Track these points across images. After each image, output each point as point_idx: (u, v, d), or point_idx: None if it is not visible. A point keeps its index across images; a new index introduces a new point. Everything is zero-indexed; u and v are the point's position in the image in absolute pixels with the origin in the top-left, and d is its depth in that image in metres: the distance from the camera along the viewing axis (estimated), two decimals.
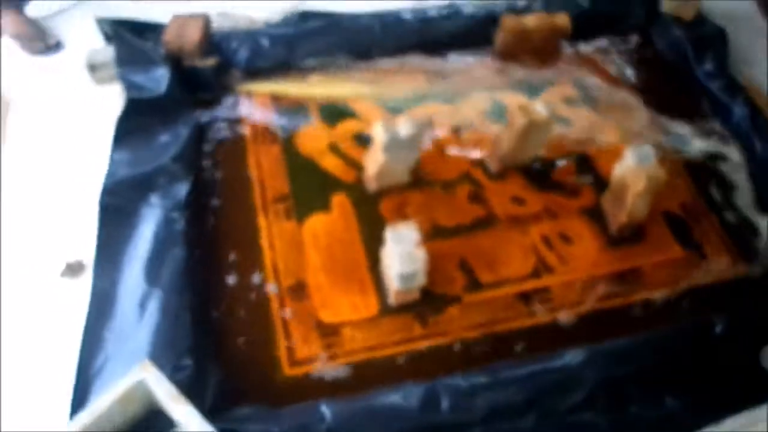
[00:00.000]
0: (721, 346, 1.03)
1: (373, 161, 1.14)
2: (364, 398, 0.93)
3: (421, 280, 1.00)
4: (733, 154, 1.32)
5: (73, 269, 1.09)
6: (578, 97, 1.38)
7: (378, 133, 1.09)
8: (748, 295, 1.14)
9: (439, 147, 1.28)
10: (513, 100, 1.30)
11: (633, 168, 1.11)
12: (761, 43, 1.47)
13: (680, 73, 1.44)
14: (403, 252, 0.97)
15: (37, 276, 1.06)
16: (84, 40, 1.36)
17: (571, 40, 1.45)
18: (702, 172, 1.29)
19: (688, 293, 1.13)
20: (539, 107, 1.14)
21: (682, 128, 1.34)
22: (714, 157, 1.32)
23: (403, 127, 1.09)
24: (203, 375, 0.95)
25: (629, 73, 1.44)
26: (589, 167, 1.28)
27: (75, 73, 1.32)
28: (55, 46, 1.38)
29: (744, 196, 1.26)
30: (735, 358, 1.03)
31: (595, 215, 1.21)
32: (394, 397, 0.93)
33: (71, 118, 1.28)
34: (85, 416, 0.82)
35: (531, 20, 1.39)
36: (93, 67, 1.27)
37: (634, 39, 1.50)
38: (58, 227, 1.12)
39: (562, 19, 1.40)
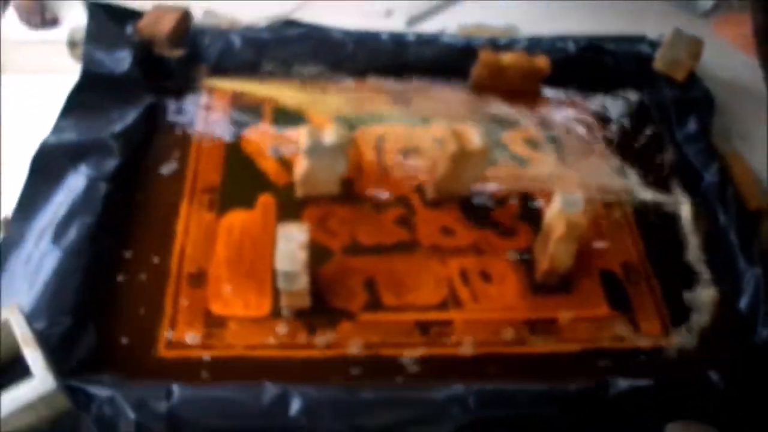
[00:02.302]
0: (618, 411, 1.02)
1: (300, 166, 1.22)
2: (215, 388, 0.98)
3: (302, 283, 1.05)
4: (695, 223, 1.30)
5: (6, 224, 1.20)
6: (543, 140, 1.42)
7: (302, 137, 1.17)
8: (667, 366, 1.12)
9: (384, 167, 1.34)
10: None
11: (557, 214, 1.13)
12: (758, 114, 1.46)
13: (661, 133, 1.45)
14: (286, 250, 1.03)
15: None
16: (79, 19, 1.51)
17: (551, 85, 1.49)
18: (656, 236, 1.29)
19: (601, 354, 1.13)
20: (474, 136, 1.19)
21: (646, 188, 1.35)
22: (673, 223, 1.31)
23: (328, 134, 1.16)
24: (78, 335, 1.03)
25: (607, 125, 1.46)
26: (536, 212, 1.30)
27: (62, 49, 1.48)
28: (51, 22, 1.54)
29: (695, 268, 1.25)
30: (634, 427, 1.02)
31: (525, 260, 1.23)
32: (244, 393, 0.98)
33: (52, 89, 1.42)
34: None
35: (509, 57, 1.44)
36: (72, 44, 1.42)
37: (621, 92, 1.52)
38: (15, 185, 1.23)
39: (542, 61, 1.45)
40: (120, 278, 1.14)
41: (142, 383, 0.99)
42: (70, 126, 1.26)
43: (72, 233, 1.12)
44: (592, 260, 1.23)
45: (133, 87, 1.34)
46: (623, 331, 1.16)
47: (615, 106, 1.50)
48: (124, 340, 1.07)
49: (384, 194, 1.29)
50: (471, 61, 1.47)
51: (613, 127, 1.46)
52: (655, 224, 1.30)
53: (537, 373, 1.09)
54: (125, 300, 1.12)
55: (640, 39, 1.59)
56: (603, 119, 1.48)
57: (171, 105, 1.40)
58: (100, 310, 1.09)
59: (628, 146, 1.43)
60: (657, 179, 1.37)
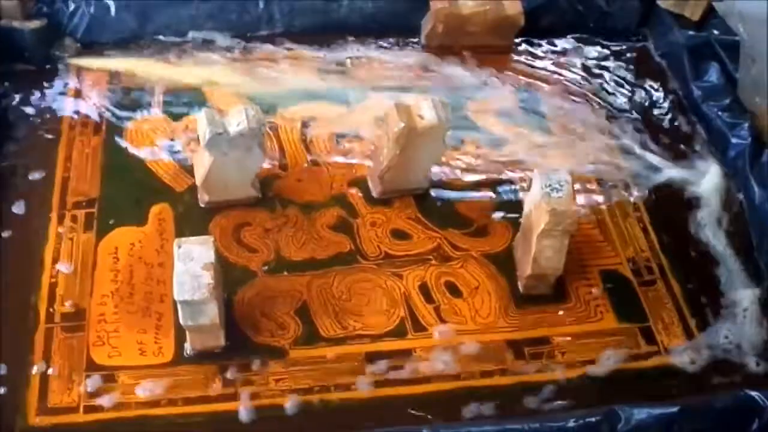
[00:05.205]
0: None
1: (201, 164, 1.25)
2: None
3: (211, 316, 1.08)
4: (721, 201, 1.37)
5: None
6: (520, 109, 1.48)
7: (201, 125, 1.20)
8: (694, 388, 1.17)
9: (312, 159, 1.39)
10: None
11: (538, 201, 1.18)
12: None
13: (673, 89, 1.53)
14: (186, 274, 1.06)
15: None
16: None
17: (528, 37, 1.56)
18: (672, 221, 1.35)
19: (608, 378, 1.17)
20: (426, 110, 1.23)
21: (656, 161, 1.41)
22: (693, 204, 1.37)
23: (235, 119, 1.20)
24: None
25: (602, 85, 1.53)
26: (513, 203, 1.36)
27: None
28: None
29: (724, 257, 1.31)
30: None
31: (506, 264, 1.28)
32: None
33: None
34: None
35: (470, 4, 1.50)
36: None
37: (618, 40, 1.60)
38: None
39: (513, 7, 1.51)
40: None
41: None
42: None
43: None
44: (589, 259, 1.29)
45: None
46: (636, 347, 1.21)
47: (611, 59, 1.57)
48: None
49: (314, 193, 1.34)
50: (421, 13, 1.52)
51: (611, 87, 1.53)
52: (669, 206, 1.37)
53: (526, 408, 1.13)
54: None
55: None
56: (597, 77, 1.55)
57: (26, 93, 1.43)
58: None
59: (631, 109, 1.51)
60: (670, 148, 1.44)
